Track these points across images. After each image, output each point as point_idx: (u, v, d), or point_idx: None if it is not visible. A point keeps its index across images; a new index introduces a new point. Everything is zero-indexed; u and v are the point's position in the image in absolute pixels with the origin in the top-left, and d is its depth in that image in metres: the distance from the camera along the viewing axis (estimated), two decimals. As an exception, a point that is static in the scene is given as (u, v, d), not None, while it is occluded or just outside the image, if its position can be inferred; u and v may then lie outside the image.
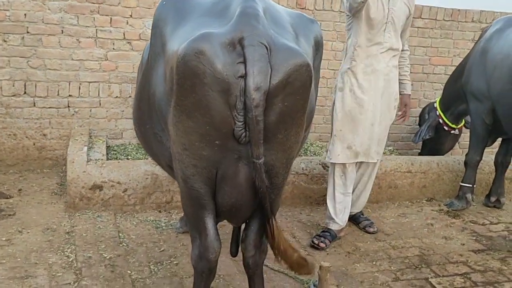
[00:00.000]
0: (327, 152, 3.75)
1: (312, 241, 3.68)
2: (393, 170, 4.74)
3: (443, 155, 5.48)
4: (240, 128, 1.98)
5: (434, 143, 5.42)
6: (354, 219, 4.09)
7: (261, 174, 2.02)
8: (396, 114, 3.89)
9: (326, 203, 3.84)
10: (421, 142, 5.47)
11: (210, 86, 1.91)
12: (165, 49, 2.22)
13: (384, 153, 4.43)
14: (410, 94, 3.96)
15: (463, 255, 3.69)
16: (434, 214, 4.53)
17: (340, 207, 3.76)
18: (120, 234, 3.62)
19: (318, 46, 2.53)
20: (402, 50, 3.79)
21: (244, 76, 1.89)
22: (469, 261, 3.59)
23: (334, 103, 3.70)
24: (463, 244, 3.90)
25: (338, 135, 3.65)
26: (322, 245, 3.64)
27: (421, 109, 5.78)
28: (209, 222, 2.22)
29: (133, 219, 3.91)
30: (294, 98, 2.00)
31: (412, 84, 4.09)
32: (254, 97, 1.88)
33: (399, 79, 3.81)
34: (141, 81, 2.61)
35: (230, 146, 2.04)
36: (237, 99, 1.93)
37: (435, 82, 6.19)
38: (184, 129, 2.03)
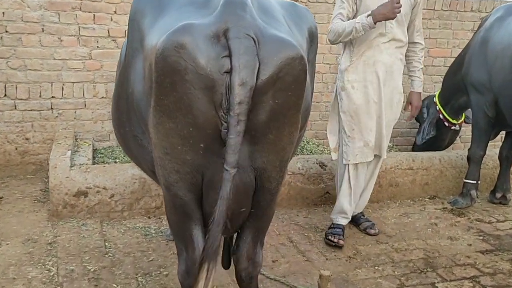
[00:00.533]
0: (343, 154, 3.57)
1: (329, 239, 3.54)
2: (394, 167, 4.54)
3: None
4: (227, 130, 1.77)
5: (434, 139, 5.22)
6: (354, 221, 3.89)
7: (226, 188, 1.73)
8: (402, 112, 3.73)
9: (338, 199, 3.70)
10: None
11: (192, 83, 1.72)
12: (144, 44, 2.04)
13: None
14: (419, 93, 3.73)
15: (471, 256, 3.51)
16: (438, 213, 4.34)
17: (352, 202, 3.66)
18: (106, 244, 3.40)
19: (312, 38, 2.36)
20: (414, 43, 3.63)
21: (230, 71, 1.69)
22: (477, 263, 3.41)
23: (338, 103, 3.56)
24: (470, 245, 3.71)
25: (352, 135, 3.51)
26: (341, 242, 3.51)
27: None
28: (197, 233, 2.03)
29: (120, 227, 3.70)
30: (286, 94, 1.81)
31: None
32: (237, 92, 1.68)
33: (408, 75, 3.65)
34: (119, 80, 2.42)
35: (217, 150, 1.84)
36: (223, 97, 1.74)
37: (434, 75, 6.01)
38: (165, 131, 1.85)
